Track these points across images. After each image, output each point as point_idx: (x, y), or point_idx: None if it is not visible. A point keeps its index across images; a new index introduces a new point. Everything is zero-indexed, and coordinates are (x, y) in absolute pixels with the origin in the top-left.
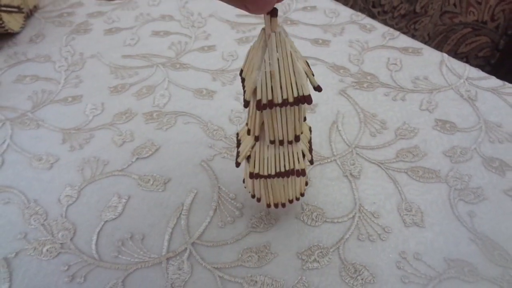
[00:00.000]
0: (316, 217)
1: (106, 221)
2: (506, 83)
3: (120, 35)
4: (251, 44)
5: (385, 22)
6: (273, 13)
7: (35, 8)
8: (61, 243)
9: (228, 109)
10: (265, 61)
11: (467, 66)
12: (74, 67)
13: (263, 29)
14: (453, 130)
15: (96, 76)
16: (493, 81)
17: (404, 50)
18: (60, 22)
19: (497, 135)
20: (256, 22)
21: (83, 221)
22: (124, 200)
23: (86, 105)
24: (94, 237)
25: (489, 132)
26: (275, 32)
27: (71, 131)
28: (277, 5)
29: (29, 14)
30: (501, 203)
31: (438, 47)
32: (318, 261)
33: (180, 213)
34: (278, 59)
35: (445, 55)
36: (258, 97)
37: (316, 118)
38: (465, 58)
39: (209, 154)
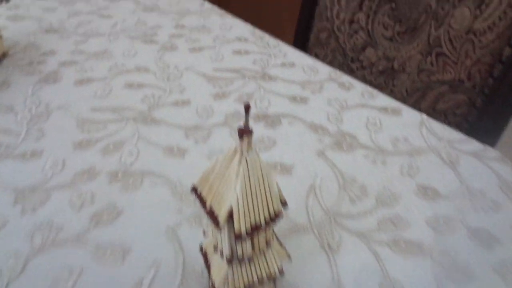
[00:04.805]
0: None
1: None
2: (487, 146)
3: (91, 86)
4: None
5: (363, 78)
6: (249, 134)
7: (4, 55)
8: None
9: (199, 169)
10: (244, 187)
11: (446, 127)
12: (38, 119)
13: (237, 149)
14: (435, 197)
15: (60, 129)
16: (474, 144)
17: (383, 109)
18: (29, 70)
19: (481, 203)
20: (233, 77)
21: None
22: (75, 276)
23: (45, 162)
24: None
25: (473, 199)
26: (252, 152)
27: (25, 191)
28: (256, 60)
29: None
30: (490, 282)
31: (417, 103)
32: None
33: None
34: (256, 182)
35: (424, 116)
36: (237, 228)
37: (292, 181)
38: (443, 115)
39: (176, 221)
